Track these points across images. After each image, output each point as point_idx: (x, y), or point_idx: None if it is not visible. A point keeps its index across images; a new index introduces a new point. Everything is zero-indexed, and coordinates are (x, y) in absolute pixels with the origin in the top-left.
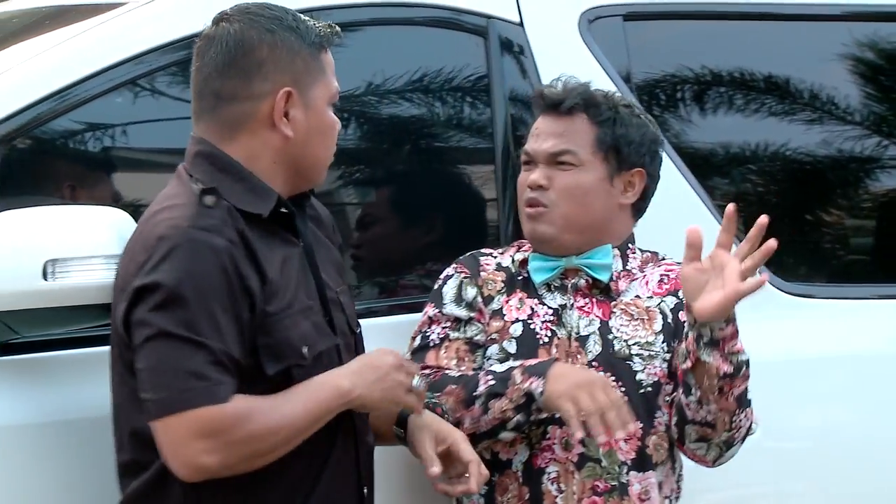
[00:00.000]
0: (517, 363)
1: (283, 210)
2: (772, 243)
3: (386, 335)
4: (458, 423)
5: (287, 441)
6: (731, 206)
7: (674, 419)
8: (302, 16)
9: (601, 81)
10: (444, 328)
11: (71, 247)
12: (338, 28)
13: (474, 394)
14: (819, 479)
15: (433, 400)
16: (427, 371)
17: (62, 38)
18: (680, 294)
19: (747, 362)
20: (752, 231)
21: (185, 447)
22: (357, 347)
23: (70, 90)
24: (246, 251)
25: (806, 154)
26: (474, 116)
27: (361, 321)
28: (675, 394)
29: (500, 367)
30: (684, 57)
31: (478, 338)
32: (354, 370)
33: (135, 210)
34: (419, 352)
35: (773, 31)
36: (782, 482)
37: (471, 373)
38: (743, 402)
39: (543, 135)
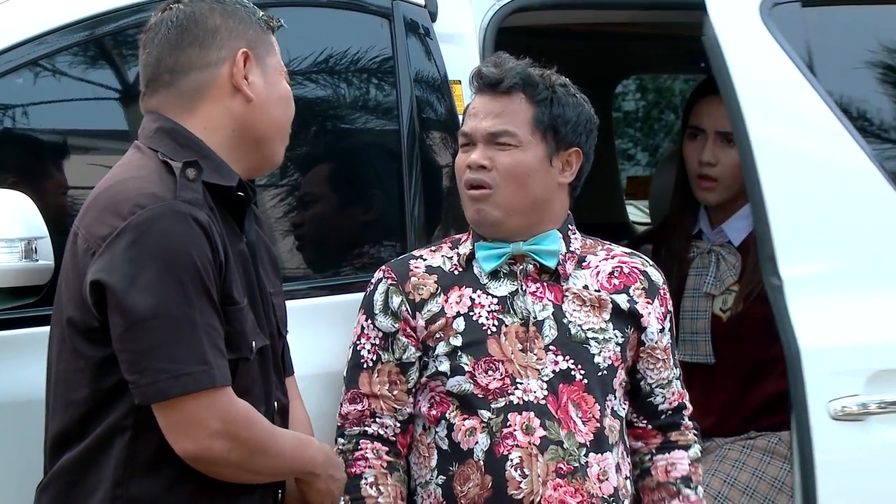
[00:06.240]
0: None
1: (241, 193)
2: None
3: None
4: None
5: (269, 469)
6: None
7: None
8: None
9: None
10: (374, 346)
11: None
12: (281, 20)
13: None
14: None
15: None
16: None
17: None
18: (631, 291)
19: None
20: None
21: (199, 427)
22: (283, 352)
23: None
24: (218, 230)
25: None
26: (380, 98)
27: None
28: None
29: None
30: None
31: (406, 356)
32: (328, 455)
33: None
34: (353, 370)
35: None
36: None
37: (374, 502)
38: None
39: (481, 114)
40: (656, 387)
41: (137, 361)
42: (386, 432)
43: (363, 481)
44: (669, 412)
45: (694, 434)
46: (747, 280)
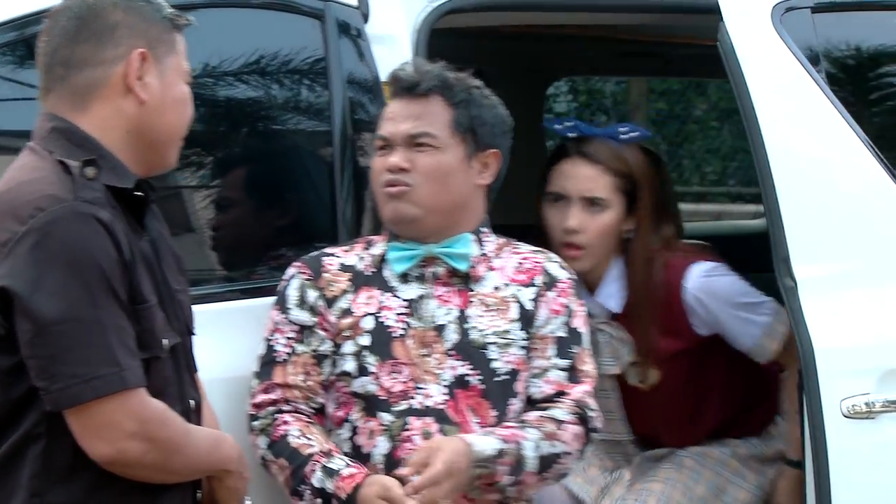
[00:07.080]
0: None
1: (138, 193)
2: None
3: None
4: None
5: (185, 468)
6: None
7: None
8: None
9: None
10: (289, 339)
11: None
12: (190, 17)
13: (299, 489)
14: None
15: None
16: (273, 398)
17: None
18: (536, 281)
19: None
20: None
21: (114, 430)
22: (190, 351)
23: None
24: (122, 228)
25: None
26: (312, 99)
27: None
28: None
29: (319, 481)
30: None
31: (322, 348)
32: (241, 453)
33: None
34: (266, 366)
35: None
36: None
37: (308, 447)
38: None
39: (400, 117)
40: (529, 377)
41: (47, 367)
42: (301, 410)
43: (290, 437)
44: (545, 400)
45: (573, 411)
46: (643, 350)
